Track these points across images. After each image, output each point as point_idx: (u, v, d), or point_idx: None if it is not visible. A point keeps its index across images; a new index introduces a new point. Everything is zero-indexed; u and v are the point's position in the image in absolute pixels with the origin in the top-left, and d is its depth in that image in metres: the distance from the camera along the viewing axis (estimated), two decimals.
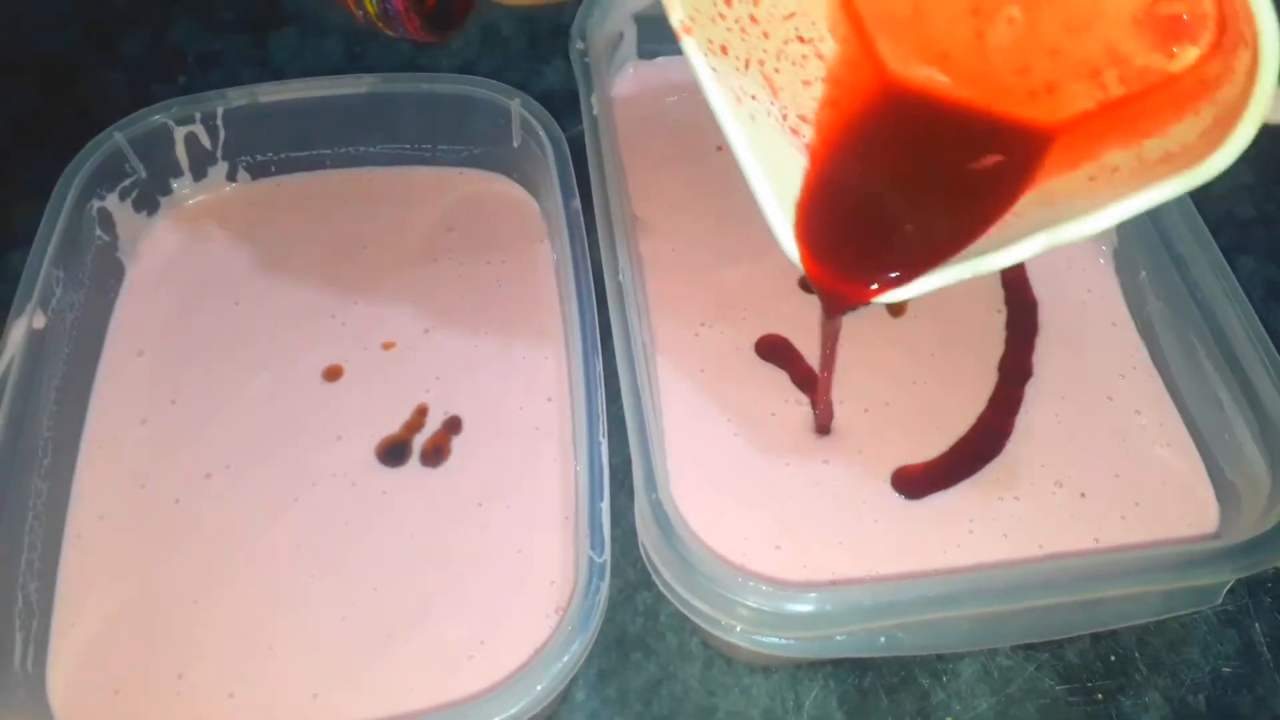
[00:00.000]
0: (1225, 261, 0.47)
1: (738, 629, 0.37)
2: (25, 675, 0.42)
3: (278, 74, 0.65)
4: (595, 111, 0.52)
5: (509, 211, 0.58)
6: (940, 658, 0.47)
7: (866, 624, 0.37)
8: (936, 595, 0.37)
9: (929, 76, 0.33)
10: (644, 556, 0.40)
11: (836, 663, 0.48)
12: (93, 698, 0.42)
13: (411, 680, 0.43)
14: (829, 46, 0.33)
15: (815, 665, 0.48)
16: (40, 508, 0.45)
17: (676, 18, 0.29)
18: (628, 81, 0.60)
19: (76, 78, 0.69)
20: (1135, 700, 0.47)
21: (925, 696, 0.47)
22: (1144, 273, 0.50)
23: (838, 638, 0.37)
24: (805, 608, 0.36)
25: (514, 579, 0.45)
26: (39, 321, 0.47)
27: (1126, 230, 0.51)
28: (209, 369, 0.52)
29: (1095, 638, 0.47)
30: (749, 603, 0.36)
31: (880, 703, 0.47)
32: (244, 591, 0.45)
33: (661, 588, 0.39)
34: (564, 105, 0.55)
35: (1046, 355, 0.50)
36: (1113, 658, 0.48)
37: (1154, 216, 0.49)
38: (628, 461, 0.43)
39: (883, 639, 0.38)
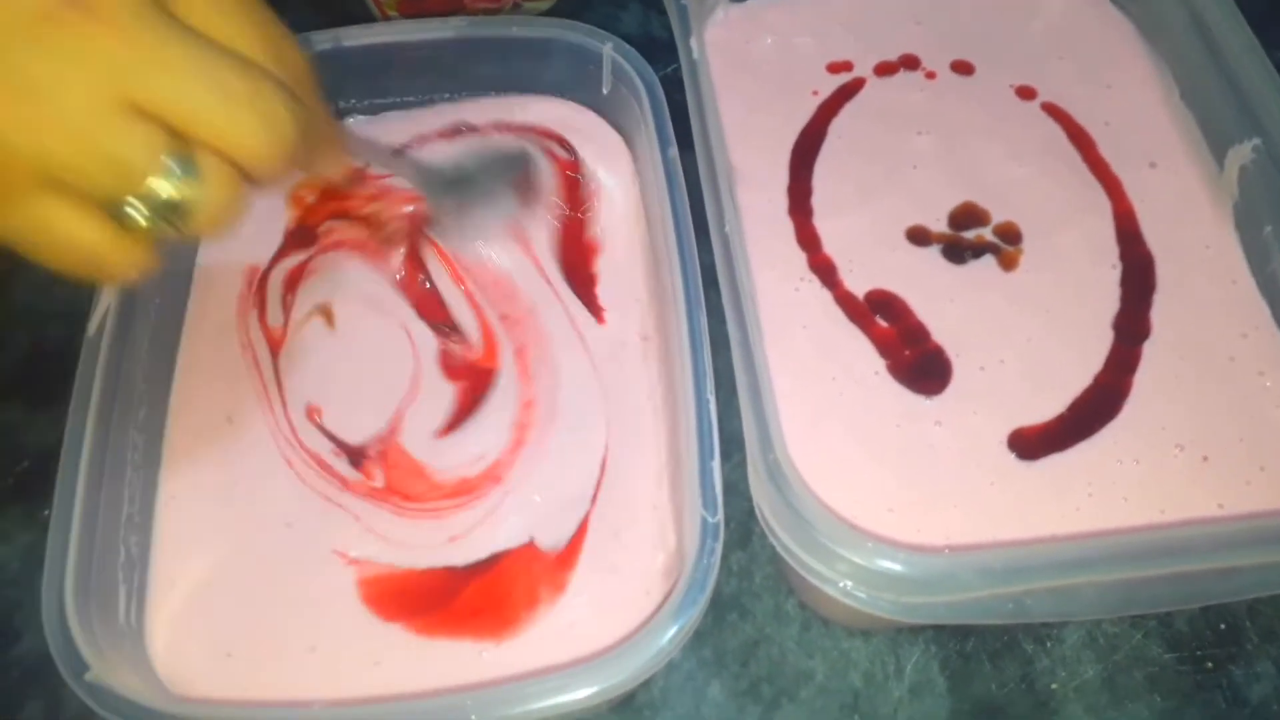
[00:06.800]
0: None
1: (870, 598, 0.36)
2: (130, 628, 0.41)
3: (349, 18, 0.62)
4: (695, 56, 0.50)
5: (597, 156, 0.56)
6: (1044, 623, 0.46)
7: (1000, 589, 0.36)
8: (1072, 560, 0.36)
9: None
10: (760, 518, 0.39)
11: (937, 626, 0.47)
12: (192, 651, 0.42)
13: None
14: None
15: (916, 629, 0.47)
16: (138, 460, 0.44)
17: None
18: (718, 25, 0.57)
19: None
20: (1246, 670, 0.46)
21: (1029, 662, 0.46)
22: (1269, 228, 0.48)
23: (968, 602, 0.36)
24: (944, 572, 0.35)
25: (617, 534, 0.44)
26: None
27: (1250, 184, 0.49)
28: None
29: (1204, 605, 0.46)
30: (885, 566, 0.35)
31: (983, 668, 0.46)
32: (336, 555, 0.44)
33: (781, 551, 0.38)
34: (644, 51, 0.53)
35: (1164, 313, 0.48)
36: (1222, 626, 0.47)
37: None
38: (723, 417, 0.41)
39: (1010, 605, 0.36)
